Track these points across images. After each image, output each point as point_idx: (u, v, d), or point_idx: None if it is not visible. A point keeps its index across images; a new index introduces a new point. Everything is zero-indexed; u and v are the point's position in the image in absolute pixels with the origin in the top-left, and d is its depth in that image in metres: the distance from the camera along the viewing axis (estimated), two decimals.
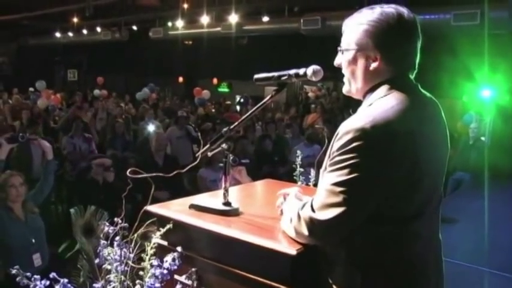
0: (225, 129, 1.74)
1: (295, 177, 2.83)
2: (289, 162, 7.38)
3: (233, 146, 7.14)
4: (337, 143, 1.40)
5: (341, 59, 1.56)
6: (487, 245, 4.42)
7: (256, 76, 1.74)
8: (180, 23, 13.75)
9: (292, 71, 1.63)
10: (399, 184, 1.38)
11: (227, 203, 1.78)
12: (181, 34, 14.39)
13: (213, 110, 12.67)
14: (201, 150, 1.80)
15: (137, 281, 1.58)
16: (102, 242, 1.55)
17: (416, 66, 1.53)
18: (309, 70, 1.59)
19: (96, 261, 1.57)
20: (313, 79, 1.59)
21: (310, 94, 16.39)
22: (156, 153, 6.13)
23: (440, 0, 9.73)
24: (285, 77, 1.64)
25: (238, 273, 1.56)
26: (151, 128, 7.56)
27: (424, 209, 1.45)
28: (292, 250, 1.44)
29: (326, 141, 2.68)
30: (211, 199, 1.84)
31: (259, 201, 1.99)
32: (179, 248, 1.52)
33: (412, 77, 1.52)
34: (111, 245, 1.58)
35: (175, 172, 1.81)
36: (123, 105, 12.01)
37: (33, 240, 3.74)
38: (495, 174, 6.64)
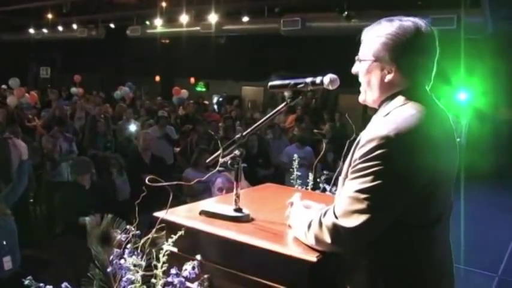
0: (237, 135, 1.74)
1: (292, 181, 2.84)
2: (274, 164, 7.40)
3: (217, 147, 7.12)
4: (359, 150, 1.42)
5: (358, 68, 1.59)
6: (463, 244, 4.53)
7: (271, 83, 1.74)
8: (158, 21, 13.63)
9: (309, 79, 1.63)
10: (420, 191, 1.41)
11: (238, 209, 1.78)
12: (159, 33, 14.26)
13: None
14: (212, 156, 1.79)
15: None
16: (116, 250, 1.53)
17: (433, 77, 1.55)
18: (326, 79, 1.60)
19: (109, 269, 1.55)
20: (330, 88, 1.60)
21: (286, 94, 16.42)
22: (143, 152, 6.07)
23: (418, 4, 9.91)
24: (301, 85, 1.64)
25: (253, 280, 1.56)
26: (133, 127, 7.47)
27: (441, 215, 1.49)
28: (312, 257, 1.45)
29: (324, 145, 2.71)
30: (222, 205, 1.84)
31: (267, 207, 1.99)
32: (198, 256, 1.51)
33: (428, 88, 1.55)
34: (124, 253, 1.56)
35: (196, 180, 1.78)
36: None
37: (5, 243, 3.62)
38: (471, 175, 6.80)
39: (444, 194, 1.50)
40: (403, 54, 1.49)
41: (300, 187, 2.73)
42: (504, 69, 9.55)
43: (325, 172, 2.83)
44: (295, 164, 2.83)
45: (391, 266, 1.44)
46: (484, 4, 8.29)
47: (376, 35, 1.53)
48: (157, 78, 19.14)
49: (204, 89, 19.22)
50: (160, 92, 17.01)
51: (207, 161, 1.83)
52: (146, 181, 1.49)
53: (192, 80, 18.80)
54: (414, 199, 1.41)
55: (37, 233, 5.96)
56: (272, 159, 7.53)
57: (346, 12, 10.18)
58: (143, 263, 1.60)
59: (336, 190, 2.72)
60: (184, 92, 13.65)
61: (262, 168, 7.22)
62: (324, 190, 2.71)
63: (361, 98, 1.63)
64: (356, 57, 1.59)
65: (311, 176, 2.72)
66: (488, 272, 4.94)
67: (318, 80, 1.62)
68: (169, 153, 7.57)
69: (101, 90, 16.13)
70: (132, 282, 1.54)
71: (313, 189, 2.70)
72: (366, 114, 12.77)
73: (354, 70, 1.61)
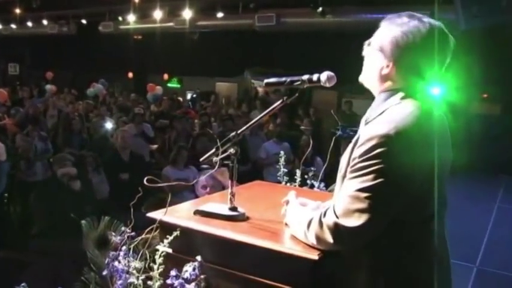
0: (232, 133, 1.72)
1: (279, 178, 2.84)
2: (251, 160, 7.39)
3: (195, 144, 7.07)
4: (359, 149, 1.42)
5: (366, 50, 1.62)
6: None
7: (266, 81, 1.73)
8: (131, 17, 13.44)
9: (305, 77, 1.62)
10: (420, 187, 1.42)
11: (233, 208, 1.77)
12: (132, 29, 14.06)
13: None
14: (207, 155, 1.77)
15: None
16: (112, 253, 1.50)
17: (433, 76, 1.56)
18: (323, 76, 1.60)
19: (104, 272, 1.51)
20: (327, 85, 1.60)
21: (260, 90, 16.45)
22: (122, 150, 5.98)
23: (392, 1, 10.01)
24: (298, 83, 1.63)
25: (252, 279, 1.55)
26: (108, 125, 7.36)
27: (439, 210, 1.51)
28: (313, 255, 1.45)
29: (311, 141, 2.71)
30: (216, 204, 1.82)
31: (260, 205, 1.98)
32: (198, 257, 1.48)
33: (426, 85, 1.56)
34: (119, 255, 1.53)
35: (195, 180, 1.75)
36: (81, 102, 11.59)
37: None
38: None
39: (441, 189, 1.51)
40: (405, 55, 1.50)
41: (288, 184, 2.73)
42: (476, 66, 9.74)
43: (304, 167, 2.82)
44: (282, 160, 2.82)
45: (391, 262, 1.45)
46: (456, 2, 8.42)
47: (390, 27, 1.54)
48: (130, 74, 18.90)
49: (177, 85, 19.07)
50: (134, 88, 16.79)
51: (201, 159, 1.81)
52: (145, 181, 1.45)
53: (166, 76, 18.62)
54: (414, 196, 1.42)
55: (12, 235, 5.82)
56: (249, 155, 7.52)
57: (320, 8, 10.20)
58: (138, 265, 1.58)
59: (324, 186, 2.74)
60: (159, 89, 13.51)
61: (240, 164, 7.17)
62: (312, 186, 2.71)
63: (360, 77, 1.65)
64: (367, 41, 1.61)
65: (298, 172, 2.71)
66: (466, 263, 5.04)
67: (314, 77, 1.61)
68: (146, 151, 7.49)
69: (72, 87, 15.82)
70: (128, 285, 1.52)
71: (301, 185, 2.70)
72: (340, 109, 12.91)
73: (364, 52, 1.63)
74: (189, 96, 17.37)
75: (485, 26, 8.43)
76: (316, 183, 2.72)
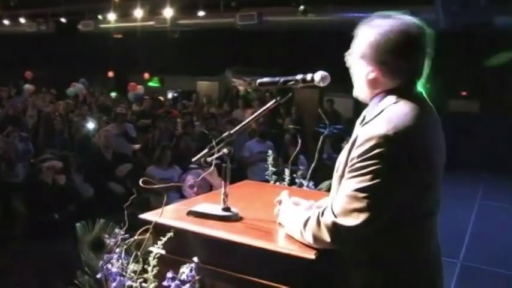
0: (226, 133, 1.72)
1: (267, 177, 2.84)
2: (236, 158, 7.37)
3: (178, 143, 7.04)
4: (357, 149, 1.42)
5: (349, 62, 1.61)
6: None
7: (260, 80, 1.73)
8: (111, 16, 13.30)
9: (299, 76, 1.62)
10: (418, 186, 1.44)
11: (227, 208, 1.76)
12: (113, 28, 13.92)
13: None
14: (200, 155, 1.76)
15: None
16: (106, 256, 1.49)
17: (424, 74, 1.57)
18: (317, 76, 1.60)
19: (99, 275, 1.49)
20: (321, 85, 1.60)
21: (241, 88, 16.43)
22: (105, 150, 5.93)
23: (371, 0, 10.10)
24: (292, 83, 1.63)
25: (248, 279, 1.55)
26: (91, 125, 7.28)
27: (434, 209, 1.53)
28: (310, 254, 1.45)
29: (299, 140, 2.72)
30: (209, 205, 1.81)
31: (253, 205, 1.97)
32: (195, 259, 1.48)
33: (419, 85, 1.56)
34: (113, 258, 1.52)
35: (187, 181, 1.74)
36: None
37: None
38: None
39: (437, 188, 1.53)
40: (385, 56, 1.49)
41: (276, 183, 2.74)
42: (456, 64, 9.87)
43: (291, 166, 2.82)
44: (270, 159, 2.82)
45: (389, 259, 1.47)
46: (436, 1, 8.53)
47: (366, 31, 1.53)
48: (111, 73, 18.70)
49: (158, 85, 18.94)
50: (114, 88, 16.63)
51: (194, 159, 1.80)
52: (140, 183, 1.44)
53: (146, 75, 18.48)
54: (412, 194, 1.43)
55: None
56: (233, 154, 7.49)
57: (302, 7, 10.22)
58: (133, 268, 1.56)
59: (312, 185, 2.75)
60: (140, 88, 13.41)
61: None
62: (301, 185, 2.72)
63: (353, 93, 1.64)
64: (348, 52, 1.60)
65: (287, 171, 2.72)
66: (450, 259, 5.13)
67: (308, 77, 1.61)
68: (128, 151, 7.41)
69: (51, 87, 15.58)
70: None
71: (290, 184, 2.70)
72: (321, 108, 12.96)
73: (348, 63, 1.62)
74: (170, 95, 17.26)
75: (465, 25, 8.54)
76: (305, 182, 2.73)
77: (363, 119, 1.58)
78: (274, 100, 1.68)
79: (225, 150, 1.72)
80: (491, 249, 5.88)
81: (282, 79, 1.65)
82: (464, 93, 12.28)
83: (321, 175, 2.85)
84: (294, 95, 1.67)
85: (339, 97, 12.02)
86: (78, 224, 1.58)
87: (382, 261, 1.46)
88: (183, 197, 3.75)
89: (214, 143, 1.72)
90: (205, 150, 1.75)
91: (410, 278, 1.48)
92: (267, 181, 2.80)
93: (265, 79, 1.71)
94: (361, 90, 1.60)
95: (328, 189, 3.57)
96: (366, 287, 1.47)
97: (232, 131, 1.72)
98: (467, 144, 9.78)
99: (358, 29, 1.57)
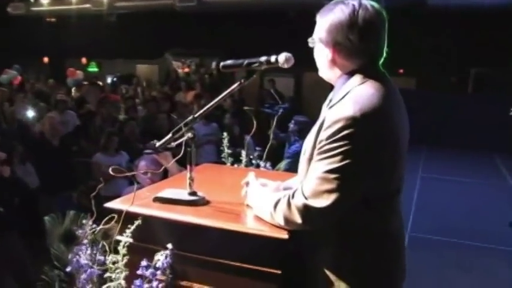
0: (189, 117, 1.70)
1: (223, 159, 2.84)
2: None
3: (123, 128, 6.88)
4: (325, 131, 1.44)
5: (312, 46, 1.63)
6: None
7: (223, 63, 1.71)
8: None
9: (263, 58, 1.62)
10: (386, 166, 1.47)
11: (193, 193, 1.75)
12: (46, 11, 13.30)
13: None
14: (163, 140, 1.73)
15: (114, 283, 1.50)
16: (76, 248, 1.45)
17: (384, 53, 1.60)
18: (281, 57, 1.60)
19: (68, 269, 1.45)
20: (285, 66, 1.61)
21: (180, 71, 16.23)
22: (51, 137, 5.72)
23: None
24: (256, 65, 1.63)
25: (221, 262, 1.55)
26: (30, 113, 6.98)
27: (400, 187, 1.57)
28: (283, 234, 1.47)
29: (254, 122, 2.74)
30: (174, 190, 1.79)
31: (217, 188, 1.97)
32: (170, 245, 1.46)
33: (379, 64, 1.59)
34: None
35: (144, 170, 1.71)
36: None
37: None
38: None
39: (403, 165, 1.57)
40: (338, 37, 1.51)
41: (234, 164, 2.74)
42: (393, 41, 10.16)
43: (234, 148, 2.84)
44: (225, 142, 2.81)
45: (357, 237, 1.50)
46: None
47: (322, 17, 1.56)
48: (46, 59, 17.93)
49: (96, 69, 18.36)
50: (50, 74, 15.95)
51: (157, 144, 1.76)
52: (110, 171, 1.40)
53: (84, 60, 17.85)
54: (380, 173, 1.47)
55: None
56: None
57: None
58: (102, 258, 1.53)
59: (270, 165, 2.78)
60: (79, 73, 12.93)
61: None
62: (258, 166, 2.73)
63: (319, 73, 1.66)
64: (310, 38, 1.62)
65: (244, 152, 2.72)
66: None
67: (272, 58, 1.61)
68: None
69: None
70: (93, 279, 1.47)
71: (247, 165, 2.71)
72: (262, 87, 13.01)
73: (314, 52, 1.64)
74: (109, 80, 16.79)
75: (404, 3, 8.80)
76: (262, 163, 2.74)
77: (330, 101, 1.60)
78: (238, 83, 1.67)
79: (189, 135, 1.70)
80: (435, 220, 6.18)
81: (245, 61, 1.64)
82: (401, 71, 12.64)
83: (271, 154, 2.87)
84: (234, 77, 1.66)
85: (279, 77, 12.12)
86: (47, 218, 1.53)
87: (351, 240, 1.50)
88: (132, 183, 3.65)
89: (178, 127, 1.70)
90: (169, 135, 1.72)
91: (378, 255, 1.53)
92: (218, 163, 2.81)
93: (229, 62, 1.70)
94: (324, 72, 1.63)
95: (285, 170, 3.62)
96: (335, 266, 1.50)
97: (196, 115, 1.70)
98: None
99: (317, 16, 1.59)
